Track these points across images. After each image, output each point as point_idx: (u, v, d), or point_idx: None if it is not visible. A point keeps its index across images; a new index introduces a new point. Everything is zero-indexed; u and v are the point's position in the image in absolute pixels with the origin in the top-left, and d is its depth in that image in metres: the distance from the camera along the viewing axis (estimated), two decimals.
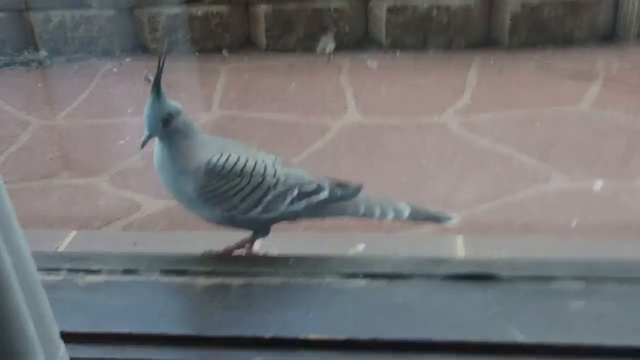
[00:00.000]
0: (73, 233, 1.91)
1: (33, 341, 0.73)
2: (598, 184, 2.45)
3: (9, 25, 3.64)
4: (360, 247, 1.79)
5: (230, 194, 1.36)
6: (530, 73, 3.28)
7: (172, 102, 1.33)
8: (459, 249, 1.76)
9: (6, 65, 3.47)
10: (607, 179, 2.47)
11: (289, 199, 1.38)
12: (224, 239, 1.55)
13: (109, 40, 3.65)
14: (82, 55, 3.62)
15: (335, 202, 1.40)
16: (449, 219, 1.44)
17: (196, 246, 1.71)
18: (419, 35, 3.55)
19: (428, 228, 2.31)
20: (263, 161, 1.38)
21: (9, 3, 3.64)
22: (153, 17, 3.61)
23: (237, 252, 1.53)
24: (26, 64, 3.56)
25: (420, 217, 1.42)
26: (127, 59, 3.59)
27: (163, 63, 1.31)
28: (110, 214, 2.46)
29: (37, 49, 3.64)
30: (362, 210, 1.41)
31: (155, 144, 1.37)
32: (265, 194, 1.37)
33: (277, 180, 1.37)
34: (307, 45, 3.60)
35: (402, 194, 2.41)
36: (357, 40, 3.63)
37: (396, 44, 3.57)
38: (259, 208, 1.38)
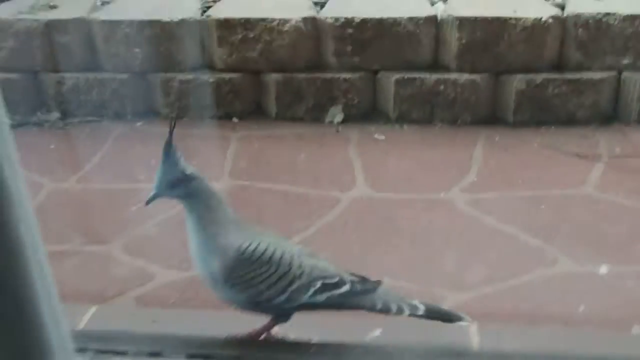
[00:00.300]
0: (93, 308, 1.91)
1: None
2: (603, 269, 2.50)
3: (22, 86, 3.67)
4: (376, 332, 1.82)
5: (257, 281, 1.42)
6: (534, 152, 3.34)
7: (189, 167, 1.38)
8: (473, 336, 1.80)
9: (19, 125, 3.49)
10: (612, 264, 2.52)
11: (311, 291, 1.44)
12: (241, 320, 1.58)
13: (122, 103, 3.70)
14: (95, 118, 3.66)
15: (354, 296, 1.46)
16: (462, 320, 1.50)
17: (215, 326, 1.71)
18: (425, 109, 3.61)
19: None
20: (290, 251, 1.44)
21: (23, 65, 3.68)
22: (166, 82, 3.67)
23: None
24: (39, 125, 3.60)
25: (434, 316, 1.48)
26: (139, 123, 3.63)
27: (174, 125, 1.36)
28: (124, 284, 2.49)
29: (50, 111, 3.69)
30: (379, 305, 1.47)
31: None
32: (291, 284, 1.43)
33: (303, 272, 1.44)
34: (316, 115, 3.66)
35: (411, 272, 2.49)
36: (365, 111, 3.68)
37: (403, 117, 3.62)
38: (283, 297, 1.44)
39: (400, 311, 1.47)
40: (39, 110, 3.70)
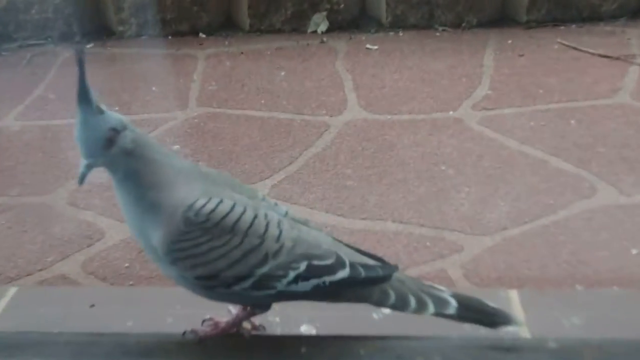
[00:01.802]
0: (13, 290, 1.62)
1: None
2: None
3: None
4: (385, 310, 1.45)
5: (211, 257, 1.07)
6: (555, 56, 3.07)
7: (113, 113, 1.07)
8: (516, 309, 1.41)
9: None
10: None
11: (291, 275, 1.10)
12: (206, 301, 1.23)
13: (68, 23, 3.44)
14: (37, 42, 3.41)
15: (356, 285, 1.14)
16: (510, 323, 1.14)
17: (172, 308, 1.41)
18: (424, 12, 3.41)
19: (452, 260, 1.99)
20: (266, 216, 1.09)
21: None
22: None
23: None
24: None
25: (470, 314, 1.14)
26: (90, 45, 3.37)
27: (83, 65, 1.04)
28: (68, 245, 2.18)
29: None
30: (391, 299, 1.14)
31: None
32: (261, 264, 1.09)
33: (281, 247, 1.09)
34: (296, 24, 3.46)
35: (419, 213, 2.12)
36: (354, 18, 3.49)
37: (398, 22, 3.44)
38: (249, 282, 1.10)
39: (422, 308, 1.11)
40: None
